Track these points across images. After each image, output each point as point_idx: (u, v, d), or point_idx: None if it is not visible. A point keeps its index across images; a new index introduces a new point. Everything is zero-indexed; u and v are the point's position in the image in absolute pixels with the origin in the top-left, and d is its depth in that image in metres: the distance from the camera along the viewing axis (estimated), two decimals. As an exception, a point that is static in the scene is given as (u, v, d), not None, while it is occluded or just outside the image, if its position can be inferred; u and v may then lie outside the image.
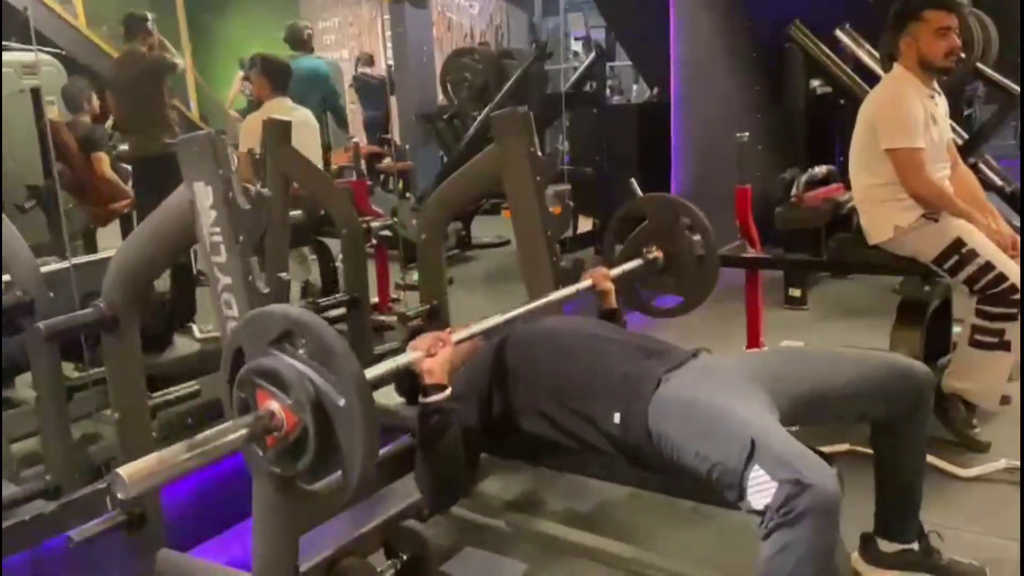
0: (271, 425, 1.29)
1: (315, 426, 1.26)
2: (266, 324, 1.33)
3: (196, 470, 1.23)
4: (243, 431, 1.28)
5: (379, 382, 1.70)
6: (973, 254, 2.57)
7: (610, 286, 2.26)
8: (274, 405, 1.29)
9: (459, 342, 1.82)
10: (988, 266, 2.55)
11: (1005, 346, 2.56)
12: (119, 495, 1.14)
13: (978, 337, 2.58)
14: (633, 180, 2.79)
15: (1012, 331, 2.55)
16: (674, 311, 2.68)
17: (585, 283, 2.26)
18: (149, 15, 4.53)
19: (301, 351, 1.29)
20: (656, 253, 2.55)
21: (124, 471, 1.14)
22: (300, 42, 5.40)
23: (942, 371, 2.69)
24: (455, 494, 1.91)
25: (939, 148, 2.75)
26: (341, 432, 1.27)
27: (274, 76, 4.16)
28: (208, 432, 1.26)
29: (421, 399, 1.74)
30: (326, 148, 4.97)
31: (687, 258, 2.54)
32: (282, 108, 3.98)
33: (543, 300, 2.14)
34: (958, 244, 2.59)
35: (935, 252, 2.64)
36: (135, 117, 4.56)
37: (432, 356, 1.74)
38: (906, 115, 2.63)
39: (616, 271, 2.36)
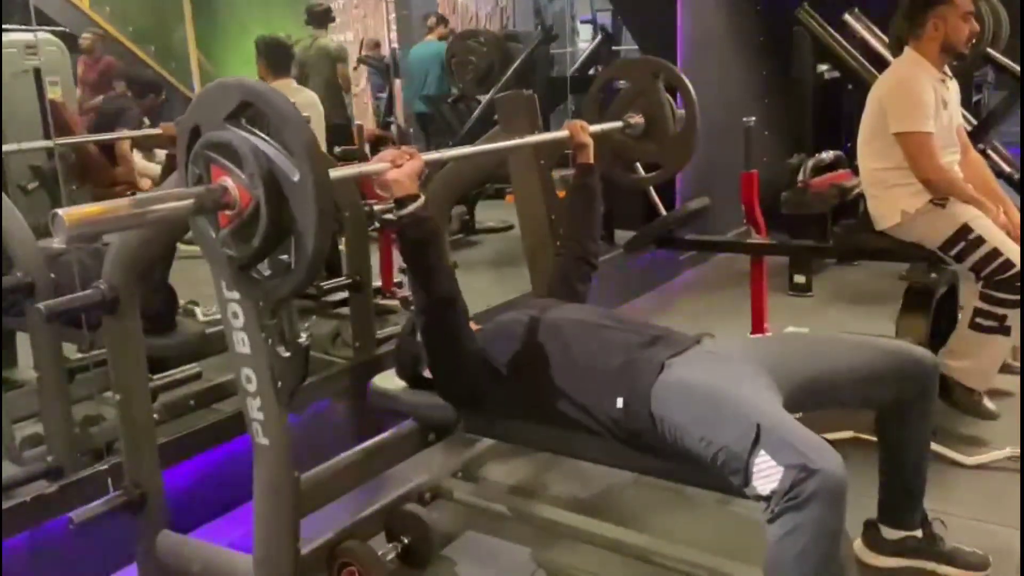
0: (223, 201, 1.25)
1: (268, 201, 1.22)
2: (222, 96, 1.28)
3: (137, 226, 1.22)
4: (191, 200, 1.24)
5: (340, 183, 1.62)
6: (980, 240, 2.55)
7: (587, 139, 2.23)
8: (228, 181, 1.25)
9: (428, 161, 1.76)
10: (995, 253, 2.53)
11: (1005, 331, 2.56)
12: (56, 240, 1.11)
13: (979, 320, 2.57)
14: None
15: (1013, 317, 2.54)
16: (651, 178, 2.65)
17: (562, 133, 2.23)
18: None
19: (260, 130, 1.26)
20: (636, 118, 2.52)
21: (64, 212, 1.10)
22: (428, 28, 6.69)
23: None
24: (455, 315, 1.79)
25: (949, 133, 2.72)
26: (295, 208, 1.22)
27: (270, 58, 4.11)
28: (156, 192, 1.23)
29: (396, 213, 1.68)
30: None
31: (667, 125, 2.50)
32: (287, 90, 3.95)
33: (518, 140, 2.11)
34: (965, 230, 2.58)
35: (942, 238, 2.62)
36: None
37: (398, 167, 1.68)
38: (917, 99, 2.61)
39: (594, 128, 2.31)
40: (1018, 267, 2.50)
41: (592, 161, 2.24)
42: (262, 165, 1.22)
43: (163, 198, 1.22)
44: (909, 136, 2.61)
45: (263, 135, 1.25)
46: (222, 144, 1.25)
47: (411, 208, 1.67)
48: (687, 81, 2.50)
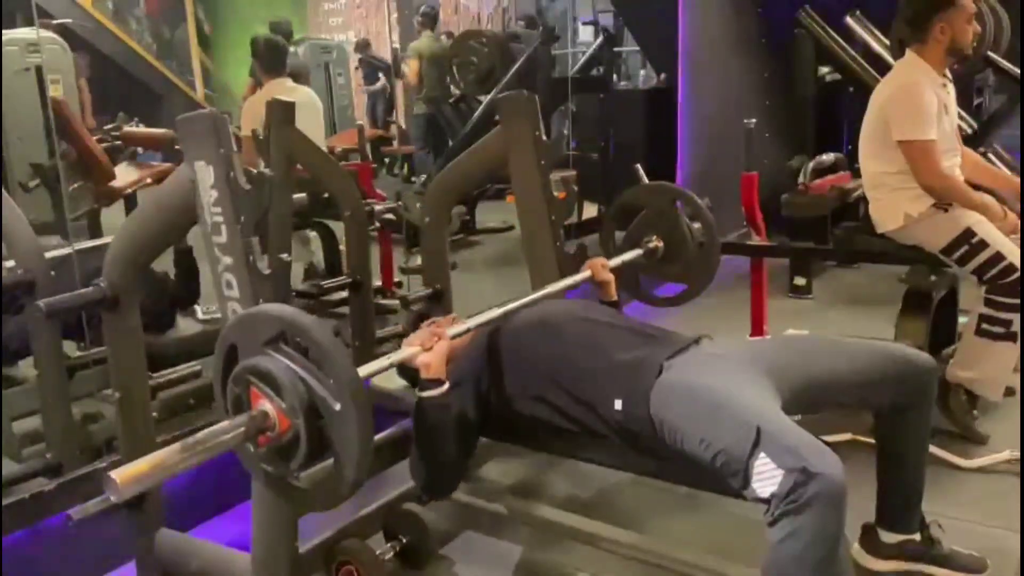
0: (264, 425, 1.27)
1: (307, 430, 1.25)
2: (260, 324, 1.30)
3: (186, 469, 1.21)
4: (237, 432, 1.27)
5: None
6: (983, 244, 2.54)
7: (609, 276, 2.23)
8: (267, 406, 1.27)
9: (454, 337, 1.80)
10: (998, 257, 2.52)
11: (1011, 337, 2.54)
12: (112, 499, 1.13)
13: (985, 327, 2.57)
14: (638, 166, 2.77)
15: (1019, 322, 2.53)
16: (676, 300, 2.67)
17: (584, 274, 2.23)
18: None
19: (296, 352, 1.27)
20: (656, 242, 2.54)
21: (116, 475, 1.12)
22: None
23: (946, 361, 2.68)
24: (449, 486, 1.91)
25: (950, 138, 2.72)
26: (335, 436, 1.25)
27: (263, 58, 4.11)
28: (200, 434, 1.24)
29: (418, 393, 1.74)
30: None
31: (687, 246, 2.52)
32: (283, 89, 3.95)
33: (541, 292, 2.12)
34: (968, 234, 2.57)
35: (944, 242, 2.62)
36: (430, 87, 6.62)
37: (428, 351, 1.73)
38: (920, 106, 2.59)
39: (615, 262, 2.33)
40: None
41: (615, 297, 2.24)
42: (302, 396, 1.24)
43: (208, 438, 1.24)
44: (912, 144, 2.60)
45: (302, 360, 1.26)
46: (262, 372, 1.27)
47: (433, 392, 1.72)
48: (703, 205, 2.53)
